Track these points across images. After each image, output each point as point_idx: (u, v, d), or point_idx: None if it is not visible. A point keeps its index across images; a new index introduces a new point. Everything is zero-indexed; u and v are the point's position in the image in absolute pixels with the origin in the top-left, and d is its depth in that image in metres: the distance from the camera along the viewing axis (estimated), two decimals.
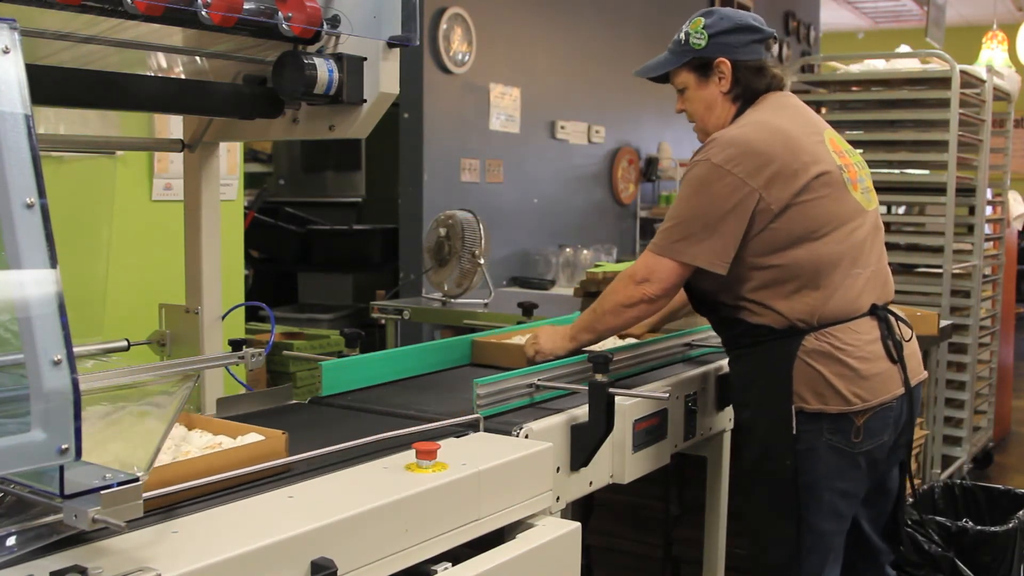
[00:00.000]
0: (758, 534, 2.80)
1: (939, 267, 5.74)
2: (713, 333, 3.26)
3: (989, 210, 6.19)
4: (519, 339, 3.14)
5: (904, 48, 6.28)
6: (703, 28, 2.76)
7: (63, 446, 1.29)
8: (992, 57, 9.72)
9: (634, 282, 2.68)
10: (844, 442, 2.62)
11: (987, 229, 6.13)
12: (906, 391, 2.70)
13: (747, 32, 2.79)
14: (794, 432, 2.62)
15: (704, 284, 2.73)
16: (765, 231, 2.60)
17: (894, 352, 2.67)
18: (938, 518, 3.75)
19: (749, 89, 2.79)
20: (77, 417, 1.30)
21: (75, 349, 1.31)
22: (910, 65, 6.08)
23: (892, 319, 2.71)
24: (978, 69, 6.11)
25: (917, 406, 2.80)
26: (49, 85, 2.03)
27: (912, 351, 2.77)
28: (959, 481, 4.24)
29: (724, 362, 3.12)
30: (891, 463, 2.81)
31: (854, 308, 2.65)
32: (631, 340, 3.08)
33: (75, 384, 1.29)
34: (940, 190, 5.65)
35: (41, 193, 1.31)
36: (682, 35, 2.81)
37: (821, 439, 2.62)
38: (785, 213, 2.59)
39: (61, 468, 1.32)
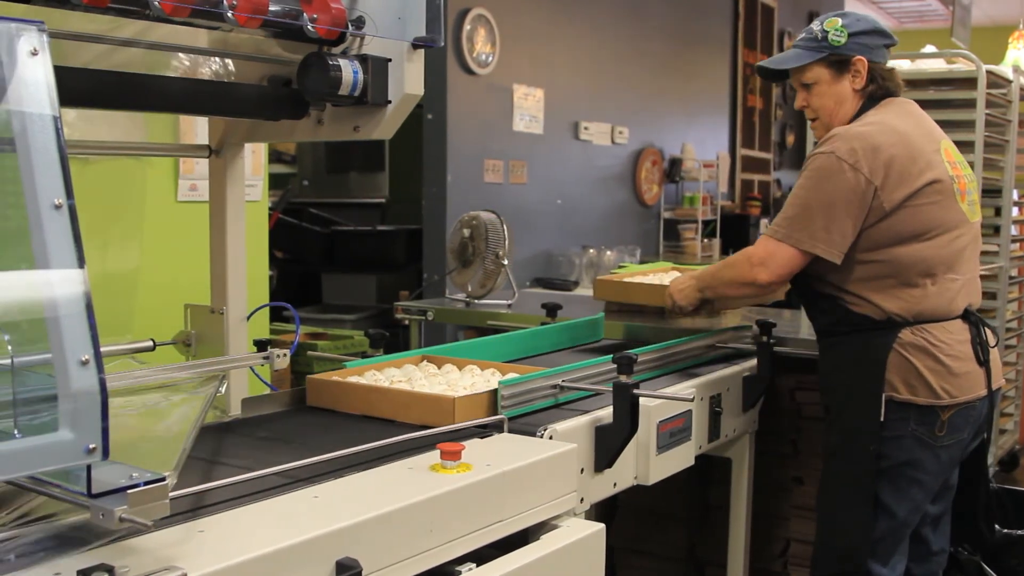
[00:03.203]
0: (832, 518, 2.86)
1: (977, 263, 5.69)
2: (738, 335, 3.26)
3: (1015, 211, 6.14)
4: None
5: (930, 48, 6.23)
6: (842, 26, 2.85)
7: (91, 446, 1.30)
8: (1019, 57, 9.63)
9: (751, 263, 2.81)
10: (928, 434, 2.73)
11: (1013, 230, 6.07)
12: (988, 393, 2.81)
13: (881, 36, 2.90)
14: (881, 419, 2.72)
15: (809, 271, 2.82)
16: (874, 227, 2.72)
17: (982, 355, 2.79)
18: None
19: (881, 88, 2.90)
20: (105, 417, 1.30)
21: (101, 349, 1.32)
22: (936, 65, 6.04)
23: (981, 324, 2.82)
24: (1005, 69, 6.06)
25: (996, 409, 2.88)
26: (76, 87, 2.04)
27: (995, 356, 2.87)
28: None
29: (749, 364, 3.11)
30: (961, 461, 2.91)
31: (948, 310, 2.77)
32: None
33: (103, 384, 1.30)
34: None
35: (69, 194, 1.32)
36: (817, 32, 2.88)
37: (907, 428, 2.73)
38: (895, 213, 2.70)
39: (89, 467, 1.33)
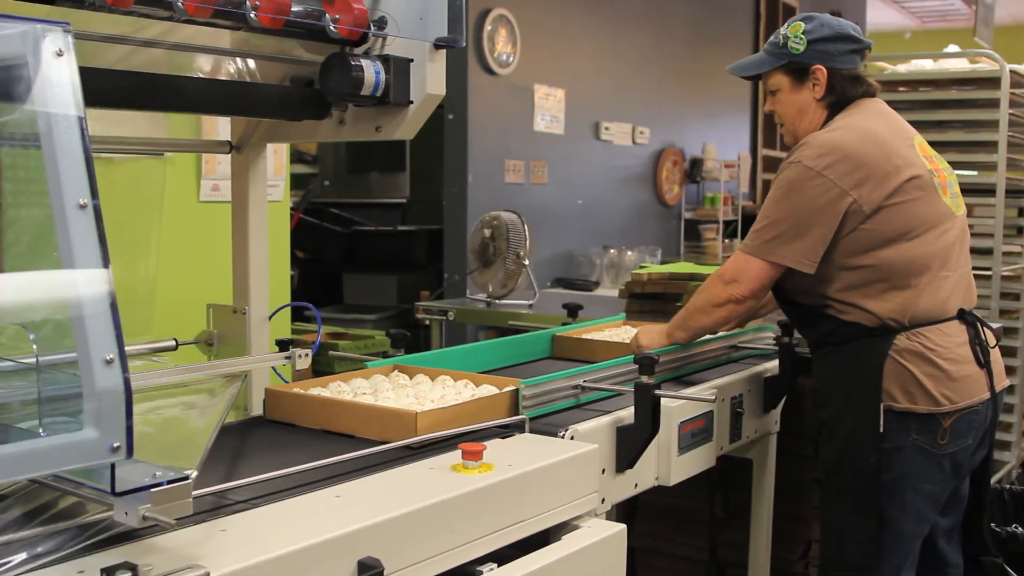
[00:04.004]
0: (837, 533, 2.80)
1: (988, 269, 5.66)
2: (759, 335, 3.26)
3: None
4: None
5: (952, 48, 6.20)
6: (803, 33, 2.79)
7: (115, 444, 1.30)
8: None
9: (723, 282, 2.75)
10: (930, 443, 2.65)
11: None
12: (991, 396, 2.73)
13: (845, 41, 2.81)
14: (881, 430, 2.64)
15: (792, 283, 2.78)
16: (856, 231, 2.65)
17: (981, 356, 2.71)
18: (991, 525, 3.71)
19: (843, 97, 2.83)
20: (129, 416, 1.31)
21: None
22: (958, 65, 6.00)
23: (979, 324, 2.74)
24: None
25: (1000, 412, 2.84)
26: (100, 87, 2.05)
27: (996, 357, 2.80)
28: (1008, 486, 4.19)
29: (771, 364, 3.11)
30: (970, 469, 2.83)
31: (943, 310, 2.69)
32: None
33: (127, 383, 1.30)
34: (989, 191, 5.58)
35: (94, 194, 1.33)
36: (780, 37, 2.84)
37: (907, 439, 2.65)
38: (877, 215, 2.64)
39: (112, 466, 1.33)
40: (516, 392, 2.31)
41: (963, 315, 2.73)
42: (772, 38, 2.88)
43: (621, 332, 3.34)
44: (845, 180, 2.63)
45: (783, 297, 2.88)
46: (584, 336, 3.25)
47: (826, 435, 2.83)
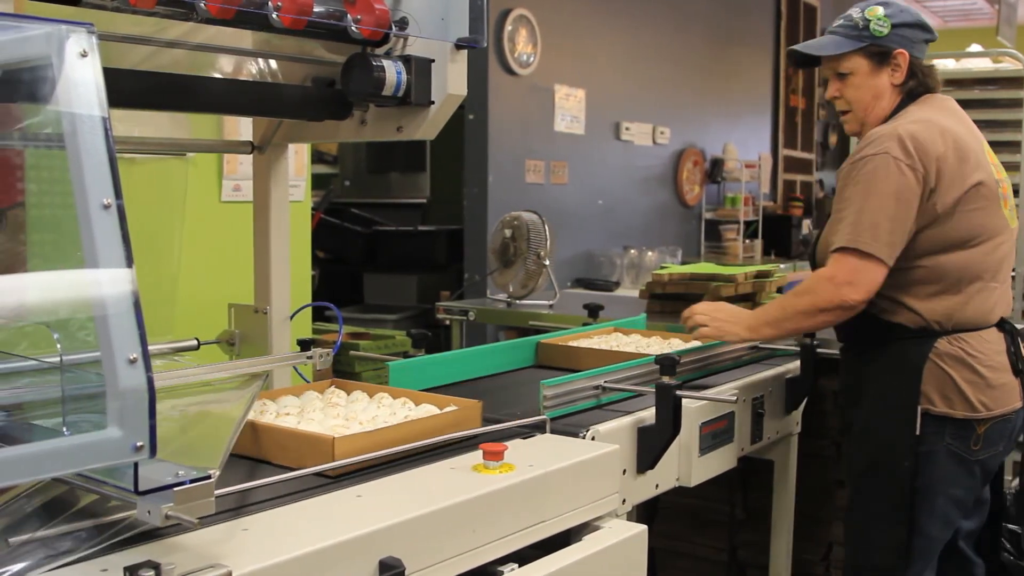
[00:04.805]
0: (865, 536, 2.77)
1: (1012, 271, 5.63)
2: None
3: None
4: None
5: (975, 47, 6.16)
6: (885, 16, 2.72)
7: (138, 443, 1.31)
8: None
9: (834, 284, 2.59)
10: (963, 448, 2.63)
11: None
12: (1023, 405, 2.72)
13: (923, 30, 2.77)
14: (917, 433, 2.62)
15: None
16: (923, 232, 2.61)
17: (1019, 365, 2.69)
18: (1010, 526, 3.69)
19: (922, 85, 2.77)
20: (152, 415, 1.31)
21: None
22: (981, 64, 5.98)
23: (1015, 333, 2.73)
24: None
25: None
26: (123, 88, 2.06)
27: None
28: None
29: (792, 365, 3.09)
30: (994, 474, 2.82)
31: (987, 319, 2.67)
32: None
33: (150, 382, 1.31)
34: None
35: (118, 194, 1.33)
36: (858, 19, 2.75)
37: (942, 443, 2.62)
38: (945, 218, 2.60)
39: (136, 465, 1.34)
40: (458, 412, 2.12)
41: (1003, 324, 2.72)
42: (843, 21, 2.78)
43: (609, 339, 3.26)
44: (930, 177, 2.58)
45: None
46: (570, 343, 3.12)
47: (856, 436, 2.80)
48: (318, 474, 1.82)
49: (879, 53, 2.74)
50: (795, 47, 2.91)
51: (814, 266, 2.88)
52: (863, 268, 2.57)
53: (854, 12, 2.77)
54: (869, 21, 2.73)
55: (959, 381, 2.61)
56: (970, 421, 2.61)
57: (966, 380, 2.61)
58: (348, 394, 2.32)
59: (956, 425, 2.62)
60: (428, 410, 2.18)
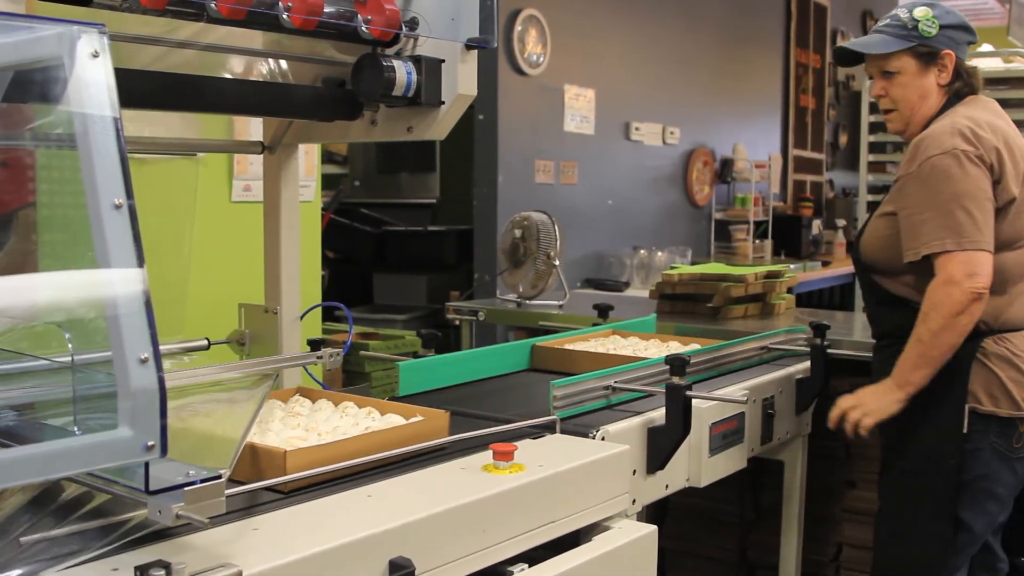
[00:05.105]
0: (903, 532, 2.77)
1: None
2: (792, 336, 3.24)
3: None
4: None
5: (986, 47, 6.15)
6: (934, 17, 2.76)
7: (149, 443, 1.31)
8: None
9: (956, 284, 2.56)
10: (1006, 446, 2.66)
11: None
12: None
13: (967, 32, 2.82)
14: (965, 431, 2.64)
15: (891, 267, 2.75)
16: None
17: None
18: None
19: (967, 86, 2.81)
20: (163, 415, 1.32)
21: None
22: (992, 64, 5.96)
23: None
24: None
25: None
26: (133, 88, 2.06)
27: None
28: None
29: (803, 366, 3.09)
30: None
31: None
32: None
33: (161, 382, 1.31)
34: None
35: (129, 194, 1.34)
36: (906, 19, 2.78)
37: (987, 441, 2.66)
38: (1000, 215, 2.63)
39: (147, 464, 1.34)
40: (421, 424, 2.05)
41: None
42: (890, 20, 2.81)
43: (607, 342, 3.24)
44: (995, 169, 2.62)
45: (876, 291, 2.84)
46: (565, 347, 3.10)
47: (899, 434, 2.78)
48: (269, 488, 1.75)
49: (927, 53, 2.78)
50: (843, 44, 2.93)
51: (856, 261, 2.92)
52: (973, 259, 2.57)
53: (901, 12, 2.81)
54: (918, 21, 2.76)
55: (1005, 380, 2.64)
56: (1014, 420, 2.65)
57: (1012, 379, 2.64)
58: (313, 403, 2.27)
59: (1001, 423, 2.65)
60: (391, 420, 2.12)
